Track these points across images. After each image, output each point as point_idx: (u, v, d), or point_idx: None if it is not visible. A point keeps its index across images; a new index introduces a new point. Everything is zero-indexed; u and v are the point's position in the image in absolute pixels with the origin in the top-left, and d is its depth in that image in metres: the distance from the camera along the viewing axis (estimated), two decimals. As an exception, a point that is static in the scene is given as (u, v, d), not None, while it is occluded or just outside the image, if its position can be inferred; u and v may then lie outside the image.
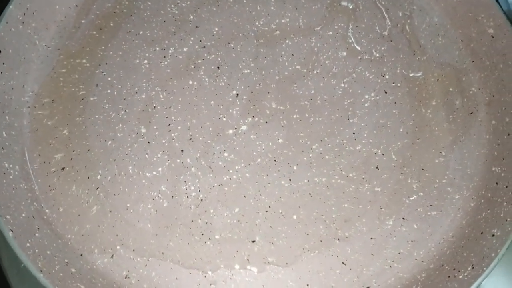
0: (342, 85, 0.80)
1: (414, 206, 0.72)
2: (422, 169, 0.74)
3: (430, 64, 0.82)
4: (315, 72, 0.81)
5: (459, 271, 0.65)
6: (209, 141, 0.75)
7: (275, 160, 0.74)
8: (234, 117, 0.77)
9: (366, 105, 0.78)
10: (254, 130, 0.76)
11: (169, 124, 0.77)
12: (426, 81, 0.81)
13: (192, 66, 0.81)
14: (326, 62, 0.82)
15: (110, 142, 0.75)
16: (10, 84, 0.76)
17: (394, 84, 0.80)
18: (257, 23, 0.85)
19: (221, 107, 0.78)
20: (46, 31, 0.82)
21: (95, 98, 0.78)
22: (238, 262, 0.69)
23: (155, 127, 0.76)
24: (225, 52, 0.82)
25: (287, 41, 0.83)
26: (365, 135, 0.76)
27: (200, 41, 0.83)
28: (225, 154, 0.75)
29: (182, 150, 0.75)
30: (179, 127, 0.77)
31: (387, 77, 0.81)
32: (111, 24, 0.84)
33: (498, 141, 0.75)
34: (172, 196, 0.72)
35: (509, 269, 0.73)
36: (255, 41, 0.83)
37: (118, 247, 0.69)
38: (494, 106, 0.77)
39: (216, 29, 0.84)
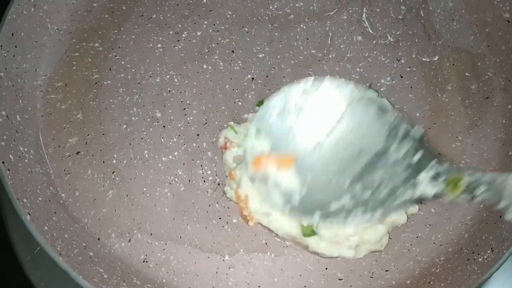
0: (358, 69, 0.79)
1: (431, 190, 0.72)
2: (439, 154, 0.74)
3: (446, 49, 0.82)
4: (330, 56, 0.80)
5: (478, 254, 0.65)
6: (225, 125, 0.74)
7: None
8: (250, 101, 0.77)
9: (382, 89, 0.78)
10: (270, 115, 0.76)
11: (184, 108, 0.76)
12: (442, 66, 0.80)
13: (206, 50, 0.80)
14: (341, 46, 0.81)
15: (125, 126, 0.75)
16: (22, 68, 0.75)
17: (409, 69, 0.80)
18: (271, 7, 0.84)
19: (236, 91, 0.77)
20: (58, 14, 0.81)
21: (109, 82, 0.78)
22: (257, 246, 0.68)
23: (170, 111, 0.76)
24: (239, 36, 0.81)
25: (301, 25, 0.82)
26: (382, 119, 0.76)
27: (214, 25, 0.82)
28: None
29: (198, 134, 0.74)
30: (194, 111, 0.76)
31: (402, 61, 0.80)
32: (124, 8, 0.83)
33: (515, 126, 0.75)
34: (189, 180, 0.72)
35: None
36: (269, 25, 0.82)
37: (135, 231, 0.69)
38: (510, 91, 0.77)
39: (230, 12, 0.83)
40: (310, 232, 0.63)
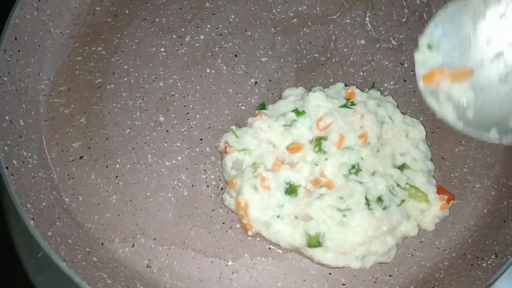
0: (361, 73, 0.79)
1: (435, 195, 0.72)
2: (442, 158, 0.74)
3: (449, 53, 0.81)
4: (333, 60, 0.80)
5: (482, 260, 0.65)
6: (228, 130, 0.74)
7: (295, 149, 0.74)
8: (253, 105, 0.77)
9: (385, 93, 0.78)
10: (273, 119, 0.76)
11: (188, 113, 0.76)
12: (445, 70, 0.80)
13: (209, 54, 0.80)
14: (345, 50, 0.81)
15: (128, 130, 0.75)
16: (26, 72, 0.75)
17: (413, 73, 0.80)
18: (274, 11, 0.84)
19: (240, 95, 0.77)
20: (61, 18, 0.81)
21: (112, 86, 0.78)
22: (260, 251, 0.68)
23: (173, 115, 0.76)
24: (242, 40, 0.81)
25: (304, 29, 0.82)
26: (385, 123, 0.76)
27: (217, 28, 0.82)
28: (245, 142, 0.74)
29: (201, 139, 0.74)
30: (197, 116, 0.76)
31: (406, 65, 0.80)
32: (126, 11, 0.83)
33: (519, 130, 0.75)
34: (192, 185, 0.72)
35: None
36: (273, 29, 0.82)
37: (138, 236, 0.69)
38: (514, 95, 0.77)
39: (233, 16, 0.83)
40: (316, 243, 0.63)
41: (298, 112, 0.69)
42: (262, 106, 0.74)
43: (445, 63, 0.59)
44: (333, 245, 0.64)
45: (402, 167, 0.69)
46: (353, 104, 0.70)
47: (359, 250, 0.64)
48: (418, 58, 0.59)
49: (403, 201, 0.67)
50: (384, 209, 0.65)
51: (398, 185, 0.67)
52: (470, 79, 0.58)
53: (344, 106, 0.70)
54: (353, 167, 0.67)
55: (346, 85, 0.75)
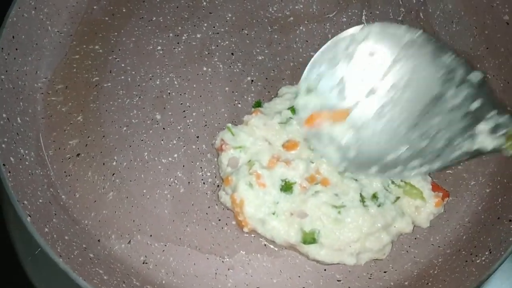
0: (357, 71, 0.80)
1: (430, 192, 0.72)
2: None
3: (445, 51, 0.82)
4: (329, 58, 0.81)
5: (476, 256, 0.65)
6: (224, 128, 0.74)
7: (290, 147, 0.74)
8: (249, 103, 0.77)
9: (381, 91, 0.78)
10: (269, 117, 0.76)
11: (184, 111, 0.76)
12: (441, 68, 0.81)
13: (206, 53, 0.81)
14: (341, 48, 0.81)
15: (125, 128, 0.75)
16: (23, 70, 0.76)
17: (408, 71, 0.80)
18: (270, 9, 0.84)
19: (236, 93, 0.78)
20: (58, 17, 0.82)
21: (109, 84, 0.78)
22: (256, 247, 0.69)
23: (170, 113, 0.76)
24: (239, 39, 0.82)
25: (301, 28, 0.83)
26: (380, 121, 0.76)
27: (214, 27, 0.82)
28: (241, 140, 0.74)
29: (197, 137, 0.75)
30: (194, 114, 0.76)
31: (401, 63, 0.81)
32: (124, 10, 0.84)
33: (513, 128, 0.75)
34: (189, 182, 0.72)
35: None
36: (269, 28, 0.83)
37: (135, 233, 0.69)
38: (508, 93, 0.77)
39: (230, 15, 0.83)
40: (311, 239, 0.63)
41: (293, 110, 0.70)
42: (258, 104, 0.74)
43: (324, 105, 0.61)
44: (328, 241, 0.64)
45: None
46: None
47: (354, 247, 0.64)
48: (299, 103, 0.62)
49: (398, 198, 0.67)
50: (379, 206, 0.66)
51: (393, 182, 0.67)
52: (348, 118, 0.60)
53: None
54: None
55: None
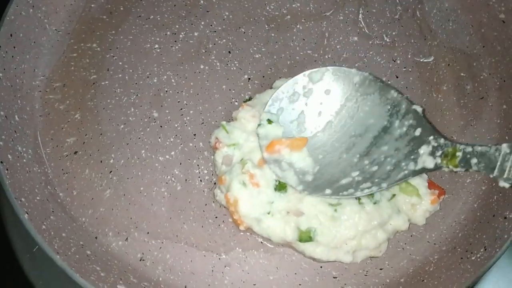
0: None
1: (426, 189, 0.72)
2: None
3: (441, 49, 0.82)
4: (326, 57, 0.81)
5: (471, 253, 0.65)
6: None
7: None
8: (246, 101, 0.77)
9: (377, 89, 0.78)
10: (266, 114, 0.76)
11: (181, 109, 0.77)
12: (437, 66, 0.81)
13: (203, 51, 0.81)
14: (337, 47, 0.82)
15: (122, 126, 0.75)
16: (21, 68, 0.76)
17: (405, 69, 0.81)
18: (267, 8, 0.84)
19: (233, 91, 0.78)
20: (56, 15, 0.82)
21: (107, 82, 0.78)
22: (252, 244, 0.69)
23: (167, 111, 0.77)
24: (236, 37, 0.82)
25: (298, 26, 0.83)
26: (377, 119, 0.77)
27: (211, 25, 0.83)
28: (238, 138, 0.75)
29: (194, 134, 0.75)
30: (191, 111, 0.77)
31: (398, 62, 0.81)
32: (121, 8, 0.84)
33: (509, 126, 0.75)
34: (186, 180, 0.72)
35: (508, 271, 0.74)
36: (266, 26, 0.83)
37: (132, 230, 0.70)
38: (505, 91, 0.78)
39: (227, 13, 0.84)
40: (307, 237, 0.64)
41: None
42: (249, 100, 0.74)
43: (284, 135, 0.67)
44: (324, 239, 0.64)
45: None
46: None
47: (350, 245, 0.65)
48: (261, 132, 0.67)
49: (393, 195, 0.67)
50: (375, 203, 0.66)
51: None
52: (306, 147, 0.67)
53: None
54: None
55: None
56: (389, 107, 0.67)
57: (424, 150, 0.64)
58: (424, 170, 0.64)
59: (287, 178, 0.65)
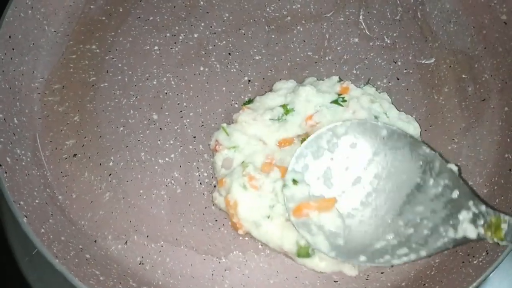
0: (354, 71, 0.80)
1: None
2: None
3: (442, 51, 0.82)
4: (326, 58, 0.80)
5: (473, 257, 0.65)
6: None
7: (288, 147, 0.74)
8: (246, 103, 0.77)
9: (379, 91, 0.78)
10: (267, 117, 0.76)
11: (181, 111, 0.76)
12: (439, 68, 0.80)
13: (203, 52, 0.80)
14: (338, 48, 0.81)
15: (122, 128, 0.75)
16: (20, 70, 0.75)
17: (406, 71, 0.80)
18: (267, 9, 0.84)
19: (233, 93, 0.78)
20: (55, 17, 0.81)
21: (106, 84, 0.78)
22: (252, 248, 0.69)
23: (167, 113, 0.76)
24: (236, 39, 0.81)
25: (298, 27, 0.83)
26: (378, 121, 0.76)
27: (211, 27, 0.82)
28: (238, 140, 0.74)
29: (194, 137, 0.75)
30: (191, 114, 0.76)
31: (399, 63, 0.81)
32: (121, 10, 0.83)
33: (511, 128, 0.75)
34: (185, 183, 0.72)
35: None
36: (266, 27, 0.82)
37: (131, 233, 0.69)
38: (506, 93, 0.77)
39: (227, 15, 0.83)
40: (305, 253, 0.63)
41: (287, 110, 0.69)
42: (250, 102, 0.74)
43: (311, 194, 0.63)
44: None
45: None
46: (344, 100, 0.69)
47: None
48: (287, 193, 0.63)
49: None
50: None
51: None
52: (336, 207, 0.62)
53: (335, 102, 0.69)
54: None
55: (341, 79, 0.74)
56: (421, 163, 0.62)
57: (464, 216, 0.59)
58: (466, 240, 0.59)
59: (317, 243, 0.61)
